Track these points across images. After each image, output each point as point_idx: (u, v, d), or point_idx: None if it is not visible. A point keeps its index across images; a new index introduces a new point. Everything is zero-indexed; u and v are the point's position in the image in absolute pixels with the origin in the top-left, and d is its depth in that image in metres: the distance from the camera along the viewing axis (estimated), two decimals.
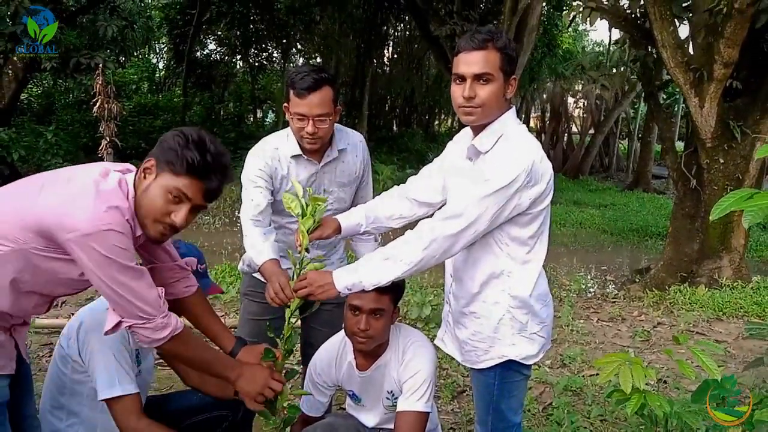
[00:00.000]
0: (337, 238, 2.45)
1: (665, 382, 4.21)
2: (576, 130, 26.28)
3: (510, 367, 2.10)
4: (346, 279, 1.98)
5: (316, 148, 2.50)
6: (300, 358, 3.11)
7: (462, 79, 1.95)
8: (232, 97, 21.99)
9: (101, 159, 4.83)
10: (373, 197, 2.58)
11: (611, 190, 18.38)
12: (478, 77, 1.92)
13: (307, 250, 2.13)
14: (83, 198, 1.67)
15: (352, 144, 2.65)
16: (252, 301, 2.75)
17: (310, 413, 2.53)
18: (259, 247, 2.36)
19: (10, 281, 1.74)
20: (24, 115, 14.98)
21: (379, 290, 2.06)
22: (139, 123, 15.83)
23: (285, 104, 2.48)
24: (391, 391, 2.41)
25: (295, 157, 2.53)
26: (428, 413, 2.33)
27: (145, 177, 1.77)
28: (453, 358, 2.33)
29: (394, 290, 2.24)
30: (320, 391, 2.51)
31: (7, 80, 11.80)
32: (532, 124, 28.94)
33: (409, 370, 2.33)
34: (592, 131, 23.04)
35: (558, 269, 7.79)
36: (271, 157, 2.52)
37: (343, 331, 2.40)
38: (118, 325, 1.78)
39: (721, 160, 6.53)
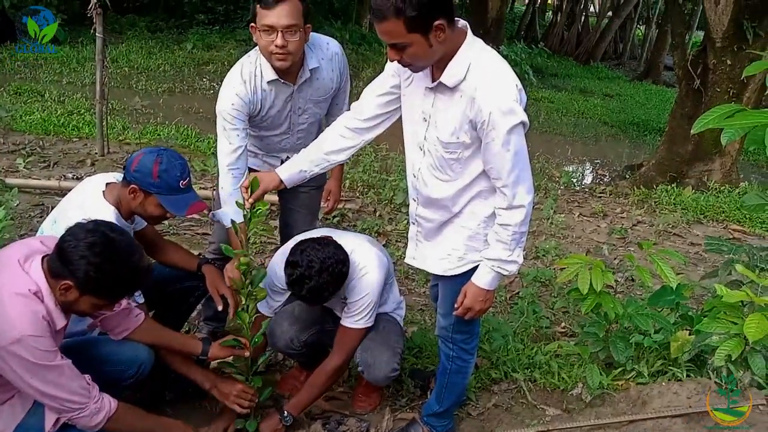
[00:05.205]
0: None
1: (633, 280, 4.38)
2: (594, 11, 25.17)
3: None
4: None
5: (287, 66, 2.43)
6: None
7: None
8: None
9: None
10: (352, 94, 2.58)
11: (620, 79, 17.93)
12: (392, 45, 1.88)
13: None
14: None
15: (326, 59, 2.59)
16: None
17: (267, 314, 2.62)
18: (228, 208, 2.47)
19: None
20: None
21: None
22: None
23: (252, 23, 2.40)
24: (344, 299, 2.49)
25: (271, 82, 2.50)
26: (368, 328, 2.49)
27: (66, 294, 1.79)
28: None
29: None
30: (276, 293, 2.59)
31: None
32: (549, 0, 27.67)
33: (356, 293, 2.42)
34: (610, 14, 22.06)
35: (551, 160, 7.79)
36: (247, 92, 2.47)
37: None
38: (56, 422, 1.86)
39: (729, 62, 6.33)
